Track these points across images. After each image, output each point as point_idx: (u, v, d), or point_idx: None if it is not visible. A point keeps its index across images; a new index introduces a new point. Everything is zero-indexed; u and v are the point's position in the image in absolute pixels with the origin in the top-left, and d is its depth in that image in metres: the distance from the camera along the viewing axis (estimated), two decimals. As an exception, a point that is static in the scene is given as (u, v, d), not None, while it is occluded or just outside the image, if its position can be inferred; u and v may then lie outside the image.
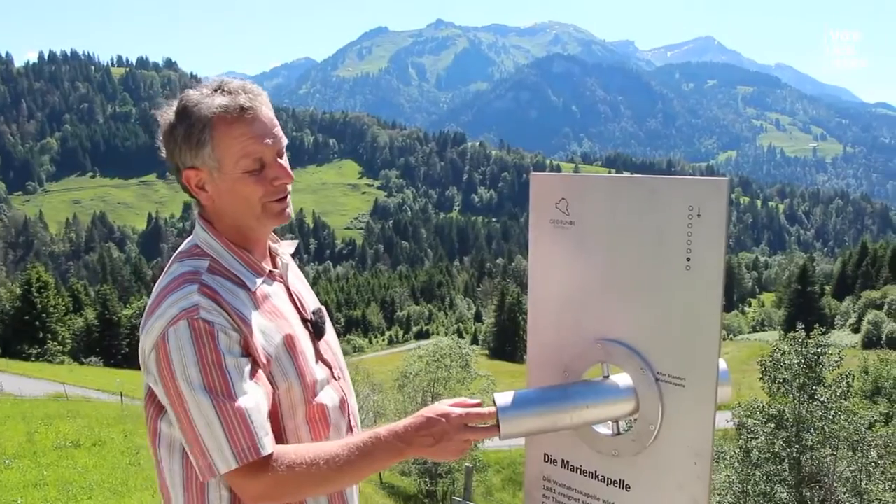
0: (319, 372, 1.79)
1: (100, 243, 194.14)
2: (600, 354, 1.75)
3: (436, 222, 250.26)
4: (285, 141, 1.77)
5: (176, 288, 1.63)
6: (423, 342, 56.93)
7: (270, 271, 1.82)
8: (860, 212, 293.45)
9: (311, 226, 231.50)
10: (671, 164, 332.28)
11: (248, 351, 1.63)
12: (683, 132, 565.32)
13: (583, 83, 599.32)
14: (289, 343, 1.73)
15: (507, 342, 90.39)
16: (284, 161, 1.76)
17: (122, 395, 27.37)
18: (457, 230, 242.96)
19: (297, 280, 1.95)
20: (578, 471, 1.86)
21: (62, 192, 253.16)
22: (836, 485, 17.19)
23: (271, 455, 1.59)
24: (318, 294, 1.92)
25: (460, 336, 59.76)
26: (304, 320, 1.84)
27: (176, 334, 1.56)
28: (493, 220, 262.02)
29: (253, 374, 1.62)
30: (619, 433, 1.74)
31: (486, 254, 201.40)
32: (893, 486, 17.58)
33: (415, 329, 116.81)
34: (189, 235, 1.85)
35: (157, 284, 1.71)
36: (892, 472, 18.14)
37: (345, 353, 2.23)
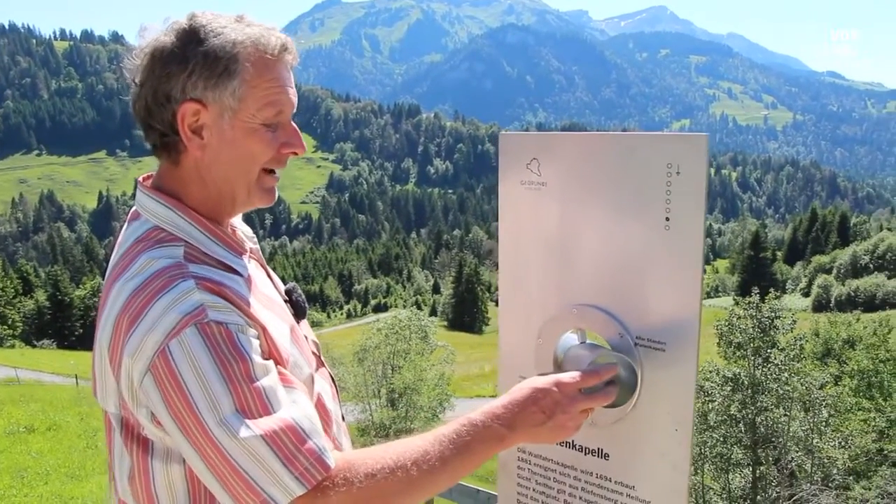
0: (312, 360, 1.51)
1: (49, 223, 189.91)
2: (576, 320, 1.68)
3: (392, 195, 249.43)
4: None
5: (163, 289, 1.26)
6: (381, 315, 56.82)
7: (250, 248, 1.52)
8: (810, 179, 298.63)
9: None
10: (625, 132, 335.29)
11: (268, 350, 1.33)
12: (637, 101, 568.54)
13: (537, 53, 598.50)
14: (292, 332, 1.44)
15: (466, 313, 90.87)
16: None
17: (77, 378, 26.91)
18: (413, 202, 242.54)
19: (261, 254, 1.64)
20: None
21: (7, 170, 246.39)
22: (789, 444, 17.54)
23: (340, 465, 1.27)
24: (273, 270, 1.64)
25: (419, 308, 59.82)
26: (284, 301, 1.54)
27: (183, 347, 1.21)
28: (450, 191, 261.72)
29: (281, 378, 1.31)
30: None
31: (443, 225, 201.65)
32: (843, 443, 18.03)
33: (373, 302, 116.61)
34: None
35: (119, 287, 1.31)
36: (841, 430, 18.60)
37: None
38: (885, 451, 18.66)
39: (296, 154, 1.46)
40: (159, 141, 1.38)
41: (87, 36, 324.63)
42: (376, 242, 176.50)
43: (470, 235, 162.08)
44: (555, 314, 1.72)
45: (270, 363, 1.28)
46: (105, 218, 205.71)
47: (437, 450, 1.31)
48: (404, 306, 69.47)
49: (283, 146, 1.43)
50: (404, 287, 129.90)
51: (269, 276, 1.56)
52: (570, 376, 1.45)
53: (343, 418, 1.63)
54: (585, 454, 1.73)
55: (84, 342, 54.26)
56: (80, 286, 65.22)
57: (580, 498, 1.75)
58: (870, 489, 16.89)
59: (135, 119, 1.37)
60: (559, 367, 1.67)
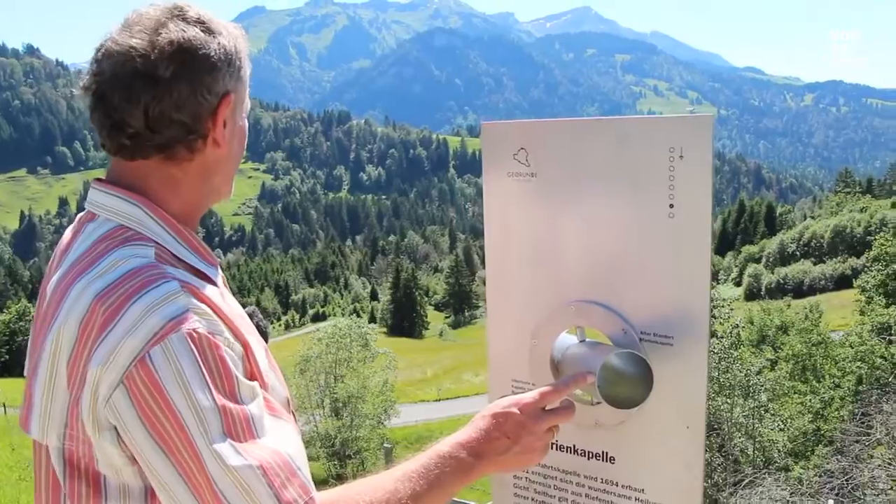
0: (285, 385, 1.36)
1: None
2: (574, 317, 1.58)
3: (325, 203, 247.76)
4: None
5: (141, 288, 1.10)
6: (320, 325, 56.35)
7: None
8: (736, 171, 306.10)
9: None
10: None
11: (250, 370, 1.18)
12: (566, 101, 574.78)
13: (465, 56, 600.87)
14: (268, 355, 1.29)
15: (405, 318, 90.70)
16: None
17: (4, 406, 25.92)
18: (347, 210, 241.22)
19: None
20: (555, 446, 1.66)
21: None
22: (732, 430, 17.86)
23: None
24: None
25: (357, 316, 59.38)
26: None
27: (167, 354, 1.06)
28: (383, 197, 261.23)
29: (268, 405, 1.18)
30: (599, 401, 1.49)
31: (378, 232, 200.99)
32: (782, 426, 18.44)
33: (311, 312, 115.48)
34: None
35: (81, 288, 1.14)
36: (780, 413, 19.04)
37: None
38: (821, 431, 19.14)
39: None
40: (176, 138, 1.23)
41: (1, 49, 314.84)
42: (311, 251, 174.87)
43: (405, 240, 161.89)
44: (550, 313, 1.62)
45: (256, 385, 1.15)
46: (28, 238, 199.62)
47: (408, 487, 1.21)
48: (343, 314, 68.90)
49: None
50: (342, 295, 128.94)
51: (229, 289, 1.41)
52: (530, 396, 1.35)
53: None
54: (589, 458, 1.63)
55: (9, 369, 52.32)
56: (4, 311, 62.80)
57: None
58: (808, 468, 17.30)
59: (143, 117, 1.19)
60: (557, 368, 1.59)
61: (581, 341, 1.57)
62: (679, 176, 1.41)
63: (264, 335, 1.11)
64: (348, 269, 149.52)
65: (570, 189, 1.55)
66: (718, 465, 17.49)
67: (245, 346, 1.17)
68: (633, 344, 1.50)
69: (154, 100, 1.18)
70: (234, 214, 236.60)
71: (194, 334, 1.08)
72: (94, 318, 1.09)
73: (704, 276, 1.42)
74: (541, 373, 1.63)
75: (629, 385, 1.43)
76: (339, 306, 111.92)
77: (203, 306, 1.12)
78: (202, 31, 1.23)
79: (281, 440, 1.13)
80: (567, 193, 1.56)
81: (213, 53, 1.23)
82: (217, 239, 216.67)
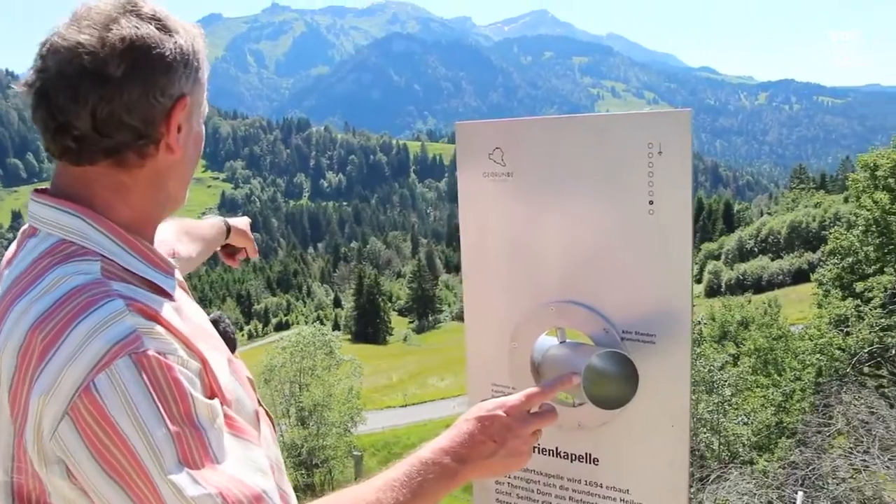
0: (254, 396, 1.29)
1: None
2: (554, 318, 1.56)
3: (286, 211, 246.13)
4: None
5: (84, 309, 1.02)
6: (284, 333, 55.91)
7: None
8: (694, 169, 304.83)
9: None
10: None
11: (210, 387, 1.09)
12: (525, 104, 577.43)
13: (423, 61, 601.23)
14: (232, 366, 1.22)
15: (369, 325, 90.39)
16: None
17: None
18: (308, 217, 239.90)
19: None
20: (537, 450, 1.63)
21: None
22: (697, 426, 18.01)
23: None
24: None
25: (321, 323, 58.96)
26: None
27: (113, 382, 0.97)
28: (345, 204, 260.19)
29: (227, 422, 1.09)
30: (582, 402, 1.50)
31: (340, 239, 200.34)
32: (746, 420, 18.66)
33: (274, 321, 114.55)
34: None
35: (20, 310, 1.06)
36: (744, 407, 19.26)
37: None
38: (784, 424, 19.38)
39: None
40: (126, 143, 1.13)
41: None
42: (273, 260, 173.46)
43: (368, 247, 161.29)
44: (529, 314, 1.59)
45: (216, 403, 1.06)
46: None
47: (391, 497, 1.15)
48: (306, 322, 68.48)
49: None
50: (305, 303, 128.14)
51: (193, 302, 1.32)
52: (517, 398, 1.31)
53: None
54: (572, 461, 1.60)
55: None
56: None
57: None
58: (772, 461, 17.49)
59: (90, 118, 1.09)
60: (538, 370, 1.56)
61: (562, 342, 1.55)
62: (658, 172, 1.39)
63: (232, 343, 1.06)
64: (311, 277, 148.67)
65: (547, 188, 1.53)
66: (685, 461, 17.63)
67: (203, 361, 1.09)
68: (615, 343, 1.47)
69: (102, 100, 1.08)
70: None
71: (143, 358, 0.99)
72: (33, 344, 1.01)
73: (686, 273, 1.40)
74: (521, 376, 1.60)
75: (614, 385, 1.40)
76: (303, 314, 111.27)
77: (152, 324, 1.04)
78: (157, 28, 1.14)
79: (245, 463, 1.06)
80: (545, 192, 1.53)
81: (168, 53, 1.13)
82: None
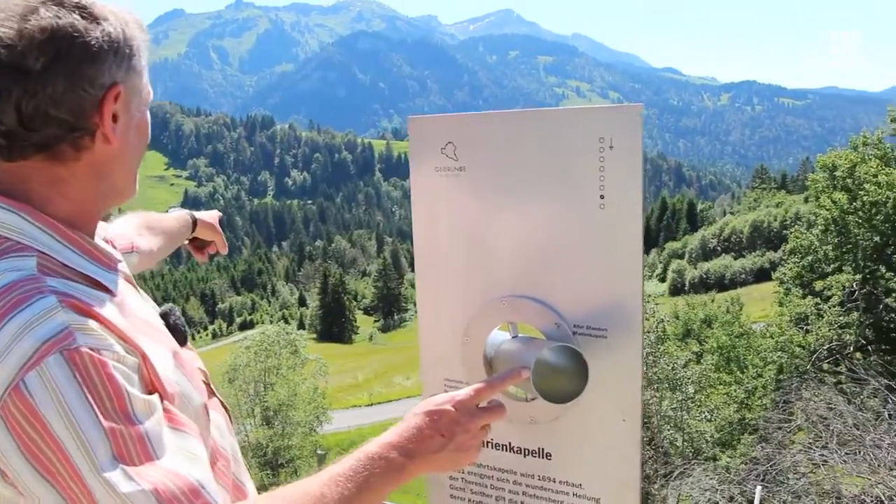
0: (203, 389, 1.28)
1: None
2: (506, 313, 1.55)
3: (250, 209, 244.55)
4: None
5: (15, 307, 1.00)
6: (248, 332, 55.55)
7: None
8: (658, 169, 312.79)
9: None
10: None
11: (150, 383, 1.08)
12: (490, 103, 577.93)
13: (388, 59, 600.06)
14: (176, 359, 1.19)
15: (334, 324, 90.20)
16: None
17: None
18: (272, 216, 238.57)
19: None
20: (490, 444, 1.63)
21: None
22: (661, 423, 18.18)
23: None
24: None
25: (286, 322, 58.67)
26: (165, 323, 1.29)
27: (44, 380, 0.95)
28: (309, 202, 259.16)
29: (167, 416, 1.07)
30: (534, 397, 1.49)
31: (305, 237, 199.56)
32: (709, 416, 18.88)
33: (238, 320, 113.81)
34: None
35: None
36: (707, 404, 19.49)
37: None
38: (746, 420, 19.64)
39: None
40: (57, 136, 1.10)
41: None
42: (237, 259, 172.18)
43: (333, 245, 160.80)
44: (481, 309, 1.58)
45: (155, 399, 1.05)
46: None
47: (335, 491, 1.13)
48: (271, 321, 68.14)
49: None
50: (269, 302, 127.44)
51: (141, 296, 1.31)
52: (466, 392, 1.29)
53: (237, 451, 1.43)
54: (525, 456, 1.60)
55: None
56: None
57: (521, 503, 1.62)
58: (735, 457, 17.73)
59: (15, 114, 1.06)
60: (490, 365, 1.56)
61: (514, 337, 1.54)
62: (609, 167, 1.38)
63: (182, 335, 1.25)
64: (275, 276, 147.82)
65: (499, 182, 1.52)
66: (649, 457, 17.78)
67: (143, 356, 1.07)
68: (567, 338, 1.47)
69: (26, 94, 1.05)
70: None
71: (75, 354, 0.97)
72: None
73: (636, 268, 1.40)
74: (474, 371, 1.59)
75: (564, 379, 1.40)
76: (268, 313, 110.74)
77: (86, 320, 1.02)
78: (82, 16, 1.09)
79: (183, 456, 1.04)
80: (496, 187, 1.53)
81: (94, 42, 1.09)
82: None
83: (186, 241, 2.17)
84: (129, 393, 1.00)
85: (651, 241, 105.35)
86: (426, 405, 1.28)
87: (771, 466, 11.84)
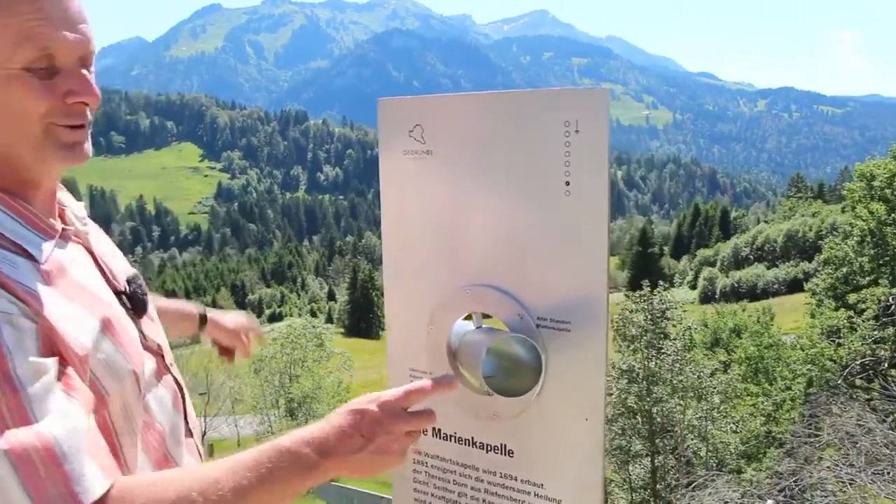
0: (148, 362, 1.28)
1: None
2: (470, 302, 1.50)
3: (282, 203, 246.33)
4: (94, 48, 1.20)
5: None
6: (276, 325, 55.88)
7: (64, 229, 1.24)
8: (691, 175, 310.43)
9: (153, 212, 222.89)
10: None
11: (52, 347, 1.06)
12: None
13: (422, 58, 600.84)
14: (108, 327, 1.17)
15: (362, 319, 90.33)
16: (90, 74, 1.19)
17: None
18: (304, 210, 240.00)
19: (102, 242, 1.38)
20: (453, 438, 1.60)
21: None
22: (685, 432, 17.99)
23: (115, 495, 1.01)
24: (163, 283, 1.26)
25: (314, 316, 58.90)
26: (119, 293, 1.29)
27: None
28: (341, 197, 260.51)
29: (64, 381, 1.05)
30: (489, 392, 1.42)
31: (336, 232, 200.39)
32: (735, 428, 18.64)
33: (267, 312, 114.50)
34: None
35: None
36: (732, 415, 19.25)
37: (196, 342, 1.93)
38: (773, 433, 19.38)
39: (86, 104, 1.19)
40: None
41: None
42: (268, 251, 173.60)
43: (363, 241, 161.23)
44: (446, 298, 1.54)
45: (49, 362, 1.03)
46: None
47: (232, 479, 1.07)
48: (300, 315, 68.40)
49: (67, 95, 1.15)
50: (299, 295, 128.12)
51: (96, 262, 1.29)
52: (392, 393, 1.22)
53: (192, 433, 1.41)
54: (487, 451, 1.55)
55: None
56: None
57: (483, 501, 1.57)
58: (760, 470, 17.49)
59: None
60: (454, 356, 1.52)
61: (477, 328, 1.50)
62: (575, 151, 1.34)
63: (141, 303, 1.28)
64: (305, 270, 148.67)
65: (464, 166, 1.48)
66: (672, 466, 17.63)
67: (48, 319, 1.06)
68: (529, 330, 1.42)
69: None
70: (189, 213, 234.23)
71: None
72: None
73: (602, 258, 1.34)
74: (438, 361, 1.56)
75: (515, 372, 1.37)
76: (296, 306, 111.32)
77: None
78: None
79: (57, 420, 1.00)
80: (461, 171, 1.48)
81: None
82: (173, 238, 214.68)
83: (210, 342, 2.04)
84: (13, 353, 0.99)
85: (683, 247, 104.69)
86: (351, 404, 1.22)
87: (795, 482, 11.64)
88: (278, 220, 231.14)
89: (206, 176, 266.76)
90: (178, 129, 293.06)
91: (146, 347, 1.29)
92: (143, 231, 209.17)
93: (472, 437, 1.57)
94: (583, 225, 1.35)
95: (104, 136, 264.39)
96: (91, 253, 1.29)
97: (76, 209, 1.33)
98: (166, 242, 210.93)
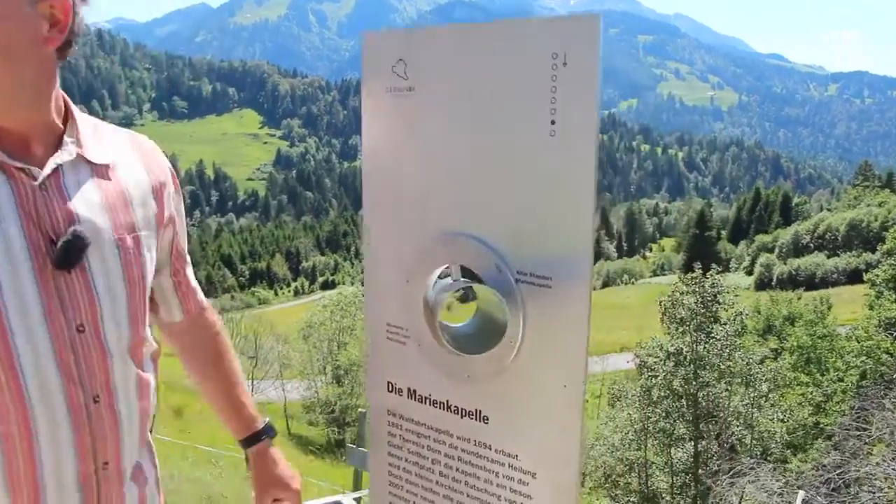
0: (40, 328, 1.19)
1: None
2: (446, 254, 1.40)
3: (340, 172, 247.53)
4: None
5: None
6: (329, 292, 56.45)
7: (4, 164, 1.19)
8: (754, 159, 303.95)
9: (212, 177, 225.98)
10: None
11: None
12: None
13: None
14: None
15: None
16: None
17: None
18: (361, 179, 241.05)
19: (97, 190, 1.30)
20: (428, 401, 1.51)
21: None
22: (730, 419, 17.75)
23: None
24: (220, 247, 1.25)
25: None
26: (51, 241, 1.21)
27: None
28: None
29: None
30: (457, 348, 1.38)
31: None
32: (782, 417, 18.32)
33: (321, 279, 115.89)
34: None
35: None
36: (780, 404, 18.91)
37: (248, 306, 1.74)
38: (821, 425, 19.02)
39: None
40: None
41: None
42: (324, 219, 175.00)
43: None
44: (423, 248, 1.45)
45: None
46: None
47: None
48: (353, 283, 69.04)
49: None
50: (352, 264, 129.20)
51: (32, 202, 1.21)
52: None
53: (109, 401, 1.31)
54: (462, 416, 1.46)
55: None
56: None
57: (456, 469, 1.49)
58: (806, 462, 17.19)
59: None
60: (432, 311, 1.44)
61: (454, 281, 1.41)
62: (562, 86, 1.22)
63: (65, 255, 1.16)
64: (360, 239, 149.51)
65: (446, 104, 1.37)
66: (715, 452, 17.42)
67: None
68: (507, 284, 1.31)
69: None
70: (248, 179, 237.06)
71: None
72: None
73: (588, 207, 1.23)
74: (414, 317, 1.47)
75: (478, 324, 1.32)
76: (350, 275, 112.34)
77: None
78: None
79: None
80: (443, 109, 1.38)
81: None
82: (230, 203, 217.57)
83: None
84: None
85: (741, 232, 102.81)
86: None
87: (840, 475, 11.39)
88: (335, 188, 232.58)
89: (265, 143, 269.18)
90: (239, 95, 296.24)
91: (52, 306, 1.21)
92: (202, 195, 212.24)
93: (448, 401, 1.48)
94: (569, 168, 1.24)
95: (167, 100, 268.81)
96: (32, 194, 1.21)
97: (89, 146, 1.31)
98: (224, 207, 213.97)
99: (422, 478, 1.57)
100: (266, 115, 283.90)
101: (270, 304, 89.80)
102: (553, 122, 1.24)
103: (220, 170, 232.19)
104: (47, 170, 1.22)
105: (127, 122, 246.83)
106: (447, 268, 1.43)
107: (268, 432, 1.66)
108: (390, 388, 1.58)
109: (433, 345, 1.42)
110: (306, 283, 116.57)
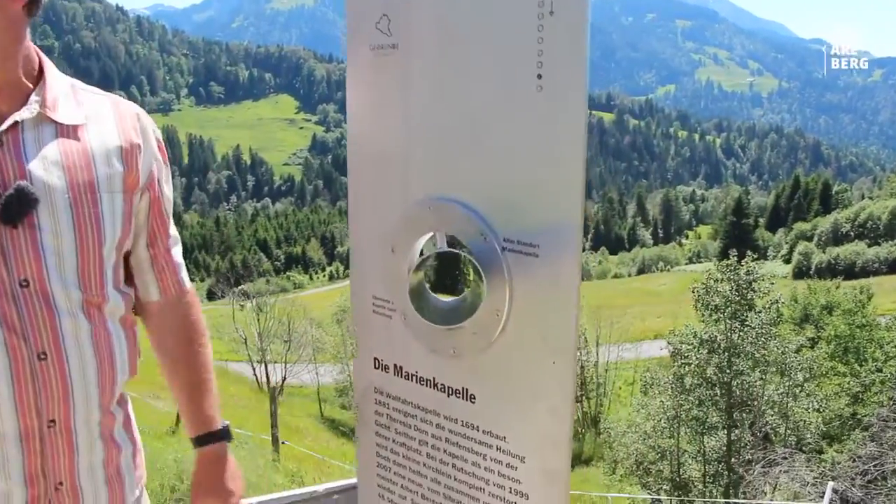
0: None
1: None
2: (431, 220, 1.33)
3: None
4: None
5: None
6: (362, 277, 56.73)
7: None
8: (794, 146, 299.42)
9: (248, 162, 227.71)
10: (610, 97, 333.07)
11: None
12: (622, 66, 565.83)
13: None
14: None
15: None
16: None
17: None
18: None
19: (57, 149, 1.25)
20: (414, 378, 1.44)
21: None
22: (764, 408, 17.56)
23: None
24: (255, 232, 1.22)
25: (400, 271, 59.19)
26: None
27: None
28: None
29: None
30: (457, 325, 1.30)
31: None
32: (817, 407, 18.08)
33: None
34: None
35: None
36: (816, 394, 18.66)
37: (284, 290, 1.65)
38: (858, 416, 18.74)
39: None
40: None
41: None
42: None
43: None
44: (406, 214, 1.37)
45: None
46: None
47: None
48: (386, 269, 69.01)
49: None
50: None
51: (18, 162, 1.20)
52: None
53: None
54: (449, 395, 1.38)
55: None
56: None
57: (443, 451, 1.41)
58: (842, 452, 16.95)
59: None
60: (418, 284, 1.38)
61: (441, 248, 1.35)
62: (548, 37, 1.13)
63: (6, 210, 1.15)
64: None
65: (429, 60, 1.29)
66: (748, 441, 17.24)
67: None
68: (492, 252, 1.23)
69: None
70: (284, 164, 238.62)
71: None
72: None
73: (578, 171, 1.13)
74: (398, 288, 1.40)
75: (461, 299, 1.27)
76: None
77: None
78: None
79: None
80: (426, 66, 1.29)
81: None
82: (266, 188, 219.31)
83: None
84: None
85: (779, 220, 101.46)
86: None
87: (876, 467, 11.22)
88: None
89: (301, 128, 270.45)
90: (275, 80, 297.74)
91: None
92: (239, 180, 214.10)
93: (434, 378, 1.40)
94: (557, 126, 1.14)
95: (204, 86, 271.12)
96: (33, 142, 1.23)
97: (59, 106, 1.28)
98: (260, 192, 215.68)
99: (409, 459, 1.49)
100: (302, 100, 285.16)
101: (305, 289, 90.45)
102: (539, 77, 1.15)
103: (256, 155, 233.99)
104: (4, 126, 1.20)
105: (165, 108, 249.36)
106: (432, 236, 1.35)
107: (224, 436, 1.56)
108: (377, 365, 1.51)
109: (418, 318, 1.34)
110: (341, 268, 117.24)
